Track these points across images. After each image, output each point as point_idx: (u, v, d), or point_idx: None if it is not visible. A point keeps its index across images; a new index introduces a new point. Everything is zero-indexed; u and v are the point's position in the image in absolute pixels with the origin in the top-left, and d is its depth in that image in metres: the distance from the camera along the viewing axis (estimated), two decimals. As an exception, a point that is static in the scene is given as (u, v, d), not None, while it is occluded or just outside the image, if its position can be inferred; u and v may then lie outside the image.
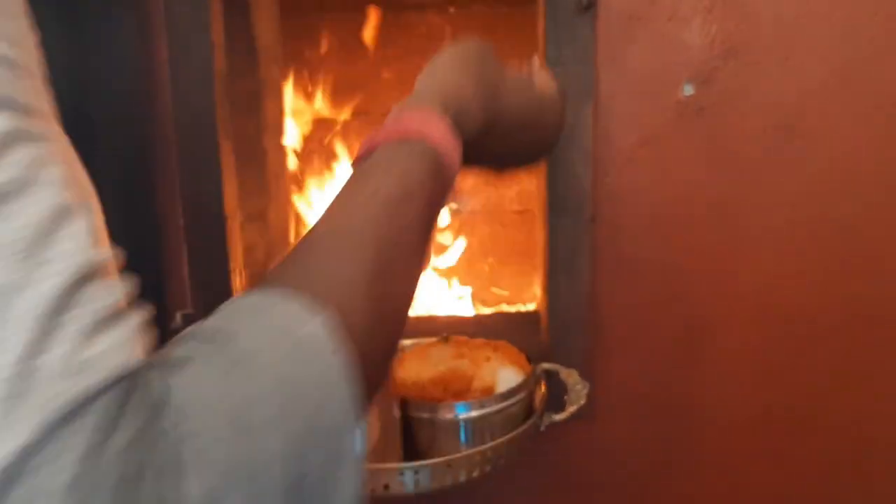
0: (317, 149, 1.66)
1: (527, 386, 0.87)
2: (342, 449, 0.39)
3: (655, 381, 1.18)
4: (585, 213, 1.13)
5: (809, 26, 1.06)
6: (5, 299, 0.28)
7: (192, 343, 0.39)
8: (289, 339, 0.39)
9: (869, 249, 1.12)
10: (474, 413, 0.83)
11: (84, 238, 0.32)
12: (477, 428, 0.84)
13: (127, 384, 0.32)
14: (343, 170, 1.64)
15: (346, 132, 1.68)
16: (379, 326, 0.46)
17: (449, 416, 0.83)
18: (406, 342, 0.98)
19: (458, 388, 0.87)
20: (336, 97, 1.67)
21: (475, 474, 0.81)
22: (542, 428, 0.88)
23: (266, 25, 1.35)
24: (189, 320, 1.10)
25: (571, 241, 1.14)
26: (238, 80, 1.20)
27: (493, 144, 0.72)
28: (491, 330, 1.37)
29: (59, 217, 0.31)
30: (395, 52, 1.76)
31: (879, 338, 1.15)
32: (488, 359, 0.90)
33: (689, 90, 1.09)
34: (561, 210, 1.14)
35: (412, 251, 0.52)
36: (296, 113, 1.57)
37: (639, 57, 1.09)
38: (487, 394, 0.86)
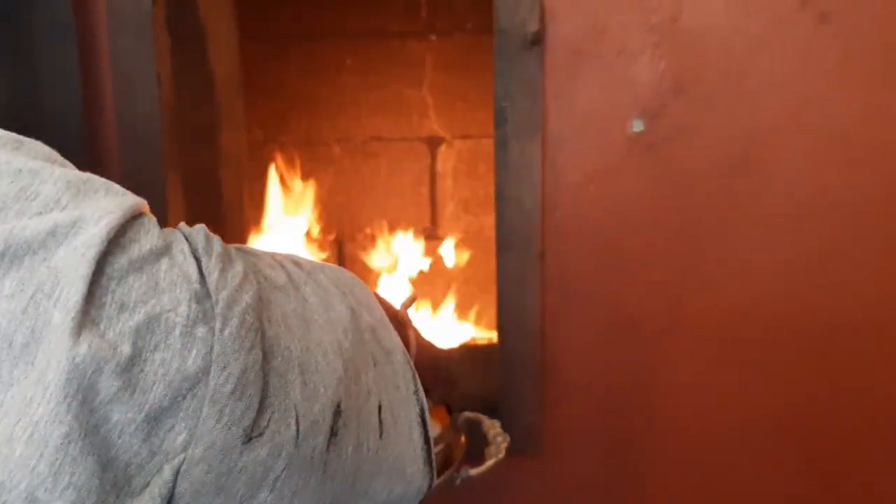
0: (294, 173, 1.66)
1: (442, 439, 0.83)
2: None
3: (607, 418, 1.16)
4: (534, 249, 1.12)
5: (760, 62, 1.04)
6: None
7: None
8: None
9: (823, 285, 1.10)
10: None
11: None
12: None
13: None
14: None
15: (327, 157, 1.69)
16: None
17: None
18: None
19: None
20: (317, 123, 1.67)
21: None
22: (458, 482, 0.84)
23: (224, 56, 1.34)
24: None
25: (520, 277, 1.13)
26: (191, 112, 1.20)
27: None
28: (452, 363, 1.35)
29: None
30: (377, 79, 1.76)
31: (836, 370, 1.12)
32: None
33: (638, 126, 1.08)
34: (509, 245, 1.12)
35: None
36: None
37: (587, 92, 1.08)
38: None
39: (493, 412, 1.15)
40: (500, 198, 1.12)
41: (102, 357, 0.30)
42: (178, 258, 0.35)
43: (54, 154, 0.37)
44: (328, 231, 1.94)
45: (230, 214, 1.38)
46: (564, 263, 1.12)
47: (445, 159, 1.90)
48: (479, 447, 0.88)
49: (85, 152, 1.07)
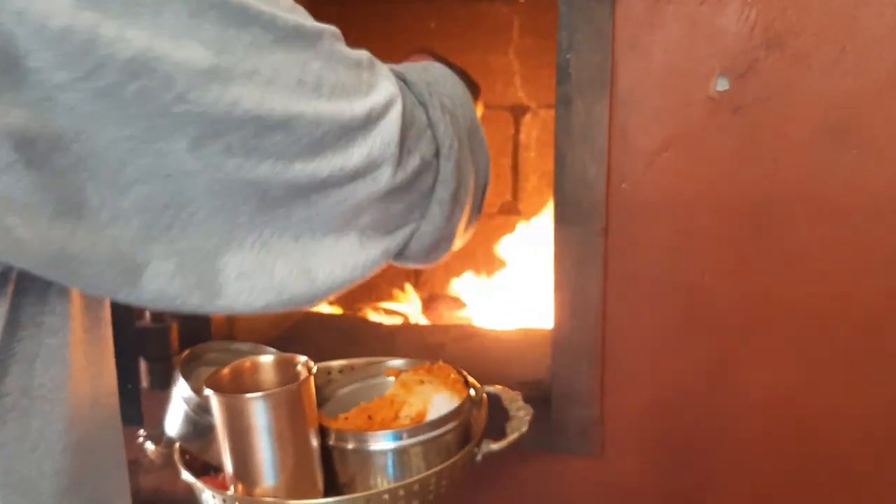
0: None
1: (460, 413, 0.75)
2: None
3: (673, 418, 1.03)
4: (596, 224, 0.99)
5: (868, 14, 0.88)
6: None
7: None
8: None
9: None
10: (403, 443, 0.72)
11: None
12: (406, 459, 0.73)
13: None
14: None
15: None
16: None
17: (376, 445, 0.72)
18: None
19: (384, 416, 0.76)
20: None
21: None
22: (479, 458, 0.76)
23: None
24: (157, 318, 1.03)
25: (580, 255, 1.00)
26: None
27: None
28: (503, 347, 1.25)
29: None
30: (461, 44, 1.67)
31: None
32: (421, 383, 0.78)
33: (723, 85, 0.93)
34: (569, 218, 1.00)
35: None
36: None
37: (664, 44, 0.94)
38: (417, 421, 0.75)
39: (544, 403, 1.05)
40: (561, 164, 0.99)
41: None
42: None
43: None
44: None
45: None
46: (631, 241, 0.99)
47: (529, 129, 1.80)
48: (500, 422, 0.80)
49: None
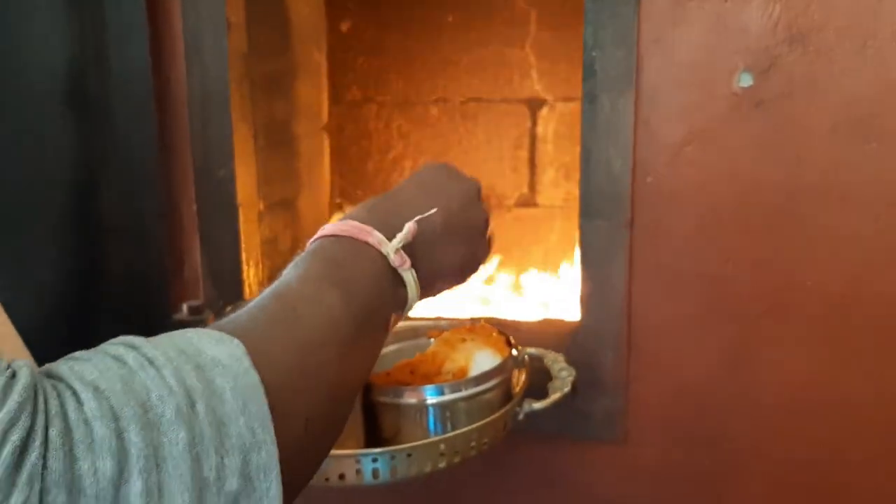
0: (391, 134, 1.60)
1: (503, 370, 0.76)
2: (249, 468, 0.40)
3: (696, 406, 1.05)
4: (622, 217, 1.01)
5: (890, 9, 0.90)
6: None
7: (102, 350, 0.41)
8: (198, 355, 0.41)
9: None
10: (444, 398, 0.73)
11: None
12: (447, 414, 0.74)
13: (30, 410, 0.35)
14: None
15: (424, 118, 1.62)
16: (301, 392, 0.47)
17: (415, 400, 0.74)
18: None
19: (426, 372, 0.77)
20: (415, 83, 1.60)
21: (441, 465, 0.72)
22: (521, 416, 0.78)
23: (302, 3, 1.28)
24: (195, 311, 1.06)
25: (606, 248, 1.03)
26: (265, 61, 1.15)
27: (454, 247, 0.67)
28: (524, 338, 1.27)
29: None
30: (478, 37, 1.68)
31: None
32: (463, 341, 0.80)
33: (746, 80, 0.95)
34: (595, 212, 1.02)
35: (346, 339, 0.54)
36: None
37: (689, 40, 0.96)
38: (459, 378, 0.76)
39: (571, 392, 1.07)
40: (587, 159, 1.02)
41: None
42: None
43: None
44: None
45: (307, 171, 1.32)
46: (656, 234, 1.02)
47: (546, 123, 1.81)
48: (543, 383, 0.82)
49: (153, 102, 1.03)
